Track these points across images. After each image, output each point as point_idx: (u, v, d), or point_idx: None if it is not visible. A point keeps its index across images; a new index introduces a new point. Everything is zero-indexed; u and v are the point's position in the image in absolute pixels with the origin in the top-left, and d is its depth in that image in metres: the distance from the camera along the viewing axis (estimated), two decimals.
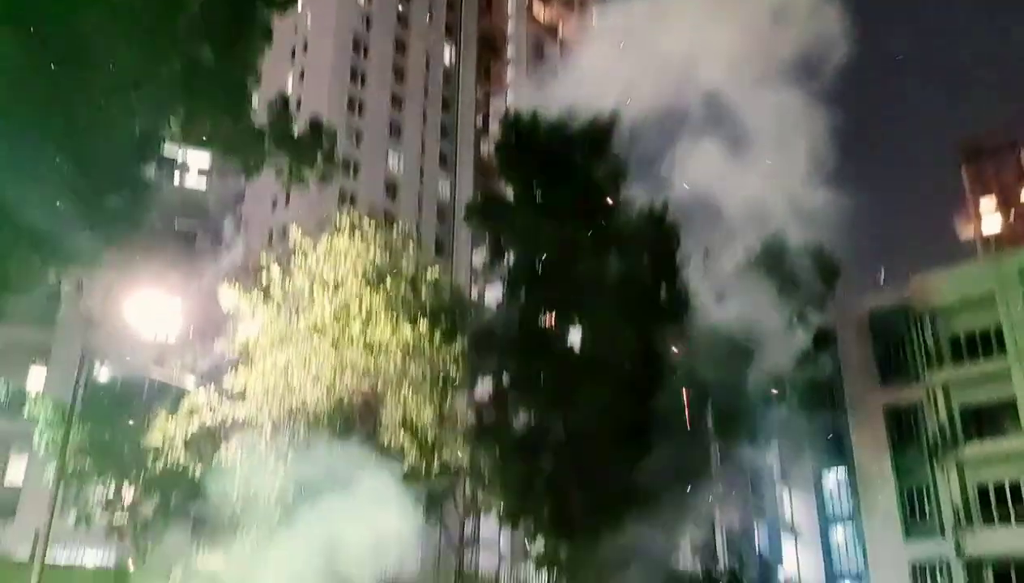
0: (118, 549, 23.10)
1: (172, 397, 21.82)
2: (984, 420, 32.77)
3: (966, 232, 77.15)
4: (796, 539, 44.51)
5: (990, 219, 76.82)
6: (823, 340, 35.35)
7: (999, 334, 33.22)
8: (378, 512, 13.07)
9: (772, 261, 29.56)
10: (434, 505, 25.33)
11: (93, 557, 24.41)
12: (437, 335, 20.07)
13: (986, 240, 73.39)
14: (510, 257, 29.39)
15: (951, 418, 33.59)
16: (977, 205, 77.91)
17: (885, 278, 39.94)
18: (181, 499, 22.58)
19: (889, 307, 36.87)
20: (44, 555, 17.19)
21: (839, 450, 39.76)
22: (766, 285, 27.63)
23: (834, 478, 43.25)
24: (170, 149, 24.96)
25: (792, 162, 27.39)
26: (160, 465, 19.22)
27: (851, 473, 39.18)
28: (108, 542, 22.91)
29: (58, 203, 15.76)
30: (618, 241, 27.95)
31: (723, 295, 27.47)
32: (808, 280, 30.93)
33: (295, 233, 20.12)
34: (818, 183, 27.74)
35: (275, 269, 19.51)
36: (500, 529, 38.38)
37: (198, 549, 22.35)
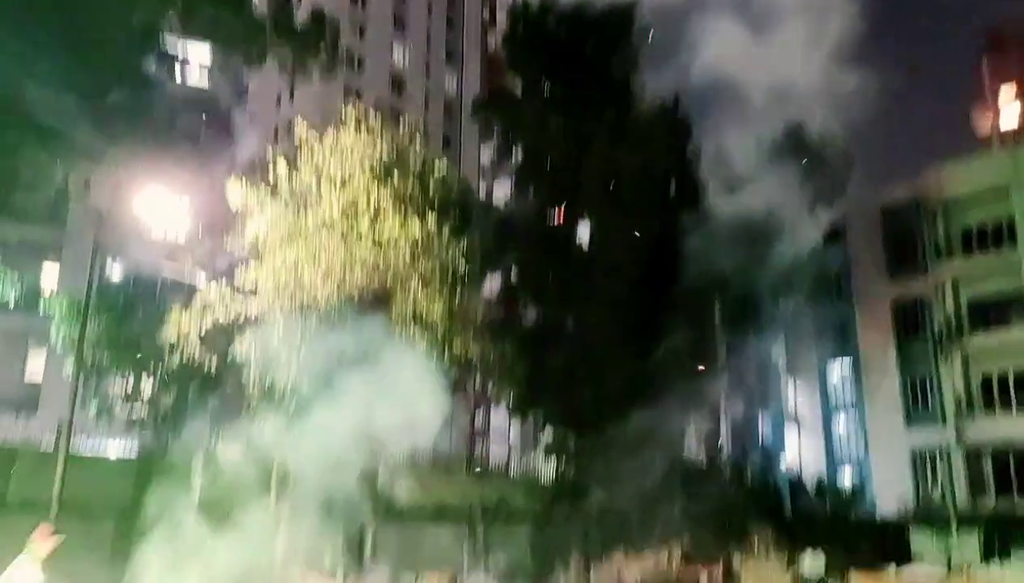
0: (139, 440, 23.81)
1: (184, 294, 22.07)
2: (991, 312, 32.99)
3: (983, 126, 75.45)
4: (799, 428, 45.59)
5: (1009, 112, 74.96)
6: (834, 233, 35.27)
7: (1011, 226, 33.06)
8: (392, 399, 13.39)
9: (787, 150, 29.19)
10: (445, 397, 25.88)
11: (116, 448, 25.24)
12: (446, 230, 20.04)
13: (1003, 135, 71.89)
14: (518, 153, 29.11)
15: (958, 310, 33.82)
16: (996, 98, 75.88)
17: (899, 170, 39.46)
18: (198, 392, 23.14)
19: (901, 200, 36.59)
20: (67, 446, 17.81)
21: (845, 342, 40.28)
22: (780, 175, 27.37)
23: (839, 369, 43.97)
24: (172, 46, 24.45)
25: (810, 46, 26.67)
26: (176, 360, 19.56)
27: (856, 364, 39.77)
28: (129, 434, 23.59)
29: (61, 99, 15.64)
30: (630, 134, 27.59)
31: (735, 186, 27.26)
32: (822, 171, 30.61)
33: (300, 128, 19.88)
34: (837, 69, 27.11)
35: (282, 165, 19.36)
36: (510, 421, 39.42)
37: (217, 439, 23.06)
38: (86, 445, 23.10)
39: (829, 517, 31.91)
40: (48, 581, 8.86)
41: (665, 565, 25.17)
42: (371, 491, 18.82)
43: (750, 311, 31.40)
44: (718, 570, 24.27)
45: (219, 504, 16.33)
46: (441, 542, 23.28)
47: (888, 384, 35.23)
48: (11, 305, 20.70)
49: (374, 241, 18.97)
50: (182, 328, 18.87)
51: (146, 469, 20.59)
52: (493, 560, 24.55)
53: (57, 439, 18.49)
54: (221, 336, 19.48)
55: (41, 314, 21.63)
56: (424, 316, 19.28)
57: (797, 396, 46.31)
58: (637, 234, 25.80)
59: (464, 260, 20.17)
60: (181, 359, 19.53)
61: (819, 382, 44.85)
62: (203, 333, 18.91)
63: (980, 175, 34.33)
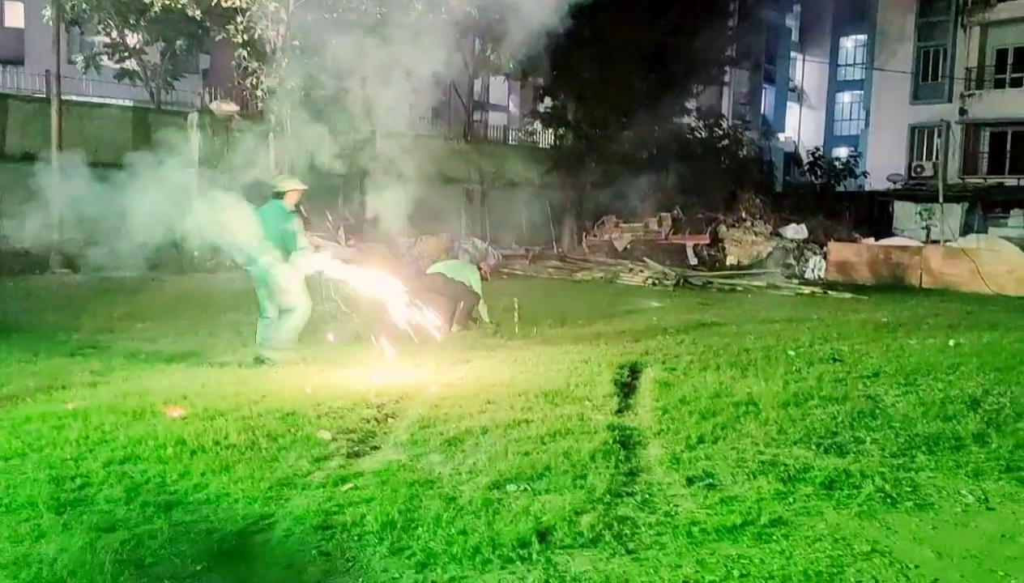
0: (132, 93, 23.32)
1: None
2: None
3: None
4: (802, 104, 45.14)
5: None
6: None
7: None
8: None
9: None
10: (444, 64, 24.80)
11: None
12: None
13: None
14: None
15: None
16: None
17: None
18: (187, 46, 22.30)
19: None
20: (59, 91, 17.55)
21: (862, 13, 38.41)
22: None
23: (852, 42, 42.50)
24: None
25: None
26: (158, 6, 18.55)
27: (871, 37, 38.24)
28: (120, 87, 23.04)
29: None
30: None
31: None
32: None
33: None
34: None
35: None
36: (509, 90, 38.69)
37: (212, 97, 22.67)
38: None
39: (818, 190, 32.51)
40: None
41: (654, 234, 26.02)
42: (371, 154, 18.78)
43: None
44: (704, 239, 25.17)
45: (217, 162, 16.24)
46: (439, 207, 23.73)
47: (901, 55, 33.77)
48: None
49: None
50: None
51: (142, 119, 20.41)
52: (489, 224, 25.37)
53: (47, 86, 18.16)
54: None
55: None
56: None
57: (804, 71, 45.20)
58: None
59: None
60: (163, 6, 18.52)
61: (829, 57, 43.58)
62: None
63: None
